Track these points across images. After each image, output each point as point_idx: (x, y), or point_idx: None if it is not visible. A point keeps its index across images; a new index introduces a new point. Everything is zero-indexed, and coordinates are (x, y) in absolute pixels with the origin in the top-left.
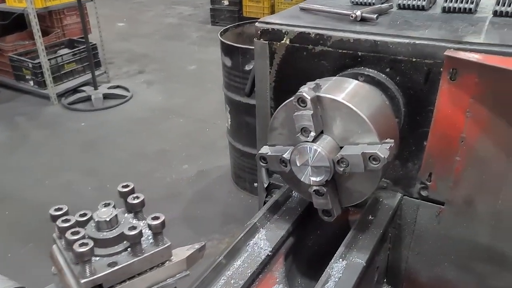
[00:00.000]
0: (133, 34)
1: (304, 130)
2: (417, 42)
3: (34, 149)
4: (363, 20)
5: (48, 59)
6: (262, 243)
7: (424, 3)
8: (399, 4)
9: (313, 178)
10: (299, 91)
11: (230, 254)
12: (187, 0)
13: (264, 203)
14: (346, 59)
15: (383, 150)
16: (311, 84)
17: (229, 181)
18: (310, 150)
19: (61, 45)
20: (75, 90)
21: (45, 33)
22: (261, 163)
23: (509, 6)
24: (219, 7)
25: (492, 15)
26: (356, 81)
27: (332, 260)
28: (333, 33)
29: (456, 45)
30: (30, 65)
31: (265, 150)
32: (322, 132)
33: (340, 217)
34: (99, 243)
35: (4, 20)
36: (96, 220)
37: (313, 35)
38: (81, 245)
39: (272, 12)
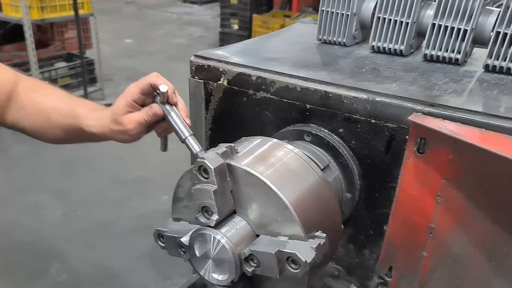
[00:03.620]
0: (139, 51)
1: (206, 210)
2: (378, 99)
3: (9, 165)
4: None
5: (41, 72)
6: None
7: (402, 47)
8: (372, 46)
9: (215, 276)
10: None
11: None
12: (200, 22)
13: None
14: (292, 112)
15: (306, 250)
16: (221, 147)
17: None
18: (212, 239)
19: (59, 58)
20: None
21: (45, 45)
22: (159, 243)
23: (504, 60)
24: (228, 31)
25: (483, 70)
26: (293, 151)
27: None
28: (277, 78)
29: (427, 108)
30: None
31: (165, 226)
32: (235, 212)
33: None
34: None
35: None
36: None
37: (254, 77)
38: None
39: None
